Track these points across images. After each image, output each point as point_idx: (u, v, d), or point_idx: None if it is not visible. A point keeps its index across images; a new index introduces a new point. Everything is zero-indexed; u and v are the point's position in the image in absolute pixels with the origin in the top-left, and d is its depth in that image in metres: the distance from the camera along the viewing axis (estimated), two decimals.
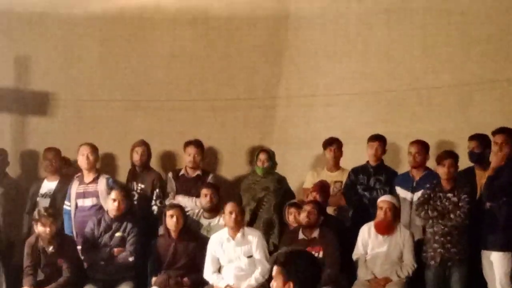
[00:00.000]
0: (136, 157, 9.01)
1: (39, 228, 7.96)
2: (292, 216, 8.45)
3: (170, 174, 9.19)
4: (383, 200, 8.07)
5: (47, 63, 9.93)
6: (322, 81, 9.97)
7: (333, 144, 9.08)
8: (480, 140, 8.09)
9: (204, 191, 8.59)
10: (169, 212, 8.23)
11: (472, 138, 8.33)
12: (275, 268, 4.65)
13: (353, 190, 8.76)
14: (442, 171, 7.90)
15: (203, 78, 10.07)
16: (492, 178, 7.55)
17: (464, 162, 8.27)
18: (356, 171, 8.81)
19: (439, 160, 7.96)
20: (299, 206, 8.36)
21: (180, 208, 8.29)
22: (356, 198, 8.73)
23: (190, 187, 9.00)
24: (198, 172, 9.09)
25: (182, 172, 9.13)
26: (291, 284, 4.54)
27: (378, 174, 8.68)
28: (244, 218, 8.29)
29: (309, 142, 9.75)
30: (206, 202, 8.56)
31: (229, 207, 8.07)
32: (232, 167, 10.06)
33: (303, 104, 9.97)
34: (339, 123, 9.75)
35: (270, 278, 7.86)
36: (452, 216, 7.70)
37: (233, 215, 7.99)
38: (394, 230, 8.02)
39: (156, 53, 10.11)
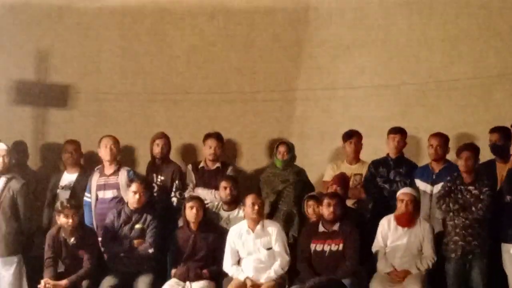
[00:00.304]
0: (157, 150, 9.03)
1: (61, 220, 8.01)
2: (311, 209, 8.43)
3: (189, 167, 9.21)
4: (404, 192, 8.06)
5: (67, 56, 9.96)
6: (341, 73, 9.95)
7: (353, 136, 9.06)
8: (502, 133, 8.07)
9: (223, 183, 8.59)
10: (188, 204, 8.24)
11: (493, 130, 8.31)
12: None
13: (373, 183, 8.75)
14: (460, 163, 7.89)
15: (223, 70, 10.07)
16: None
17: (485, 155, 8.25)
18: (376, 164, 8.80)
19: (458, 153, 7.94)
20: (318, 198, 8.35)
21: (199, 200, 8.30)
22: (376, 191, 8.71)
23: (209, 180, 9.01)
24: (218, 164, 9.10)
25: (202, 164, 9.14)
26: None
27: (398, 167, 8.67)
28: (264, 211, 8.30)
29: (328, 135, 9.75)
30: (226, 195, 8.57)
31: (250, 198, 8.07)
32: (251, 159, 10.06)
33: (323, 96, 9.96)
34: (358, 115, 9.74)
35: (289, 270, 7.98)
36: (473, 209, 7.68)
37: (256, 207, 8.00)
38: (415, 223, 8.01)
39: (176, 46, 10.13)
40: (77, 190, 8.88)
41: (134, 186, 8.31)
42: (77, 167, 9.08)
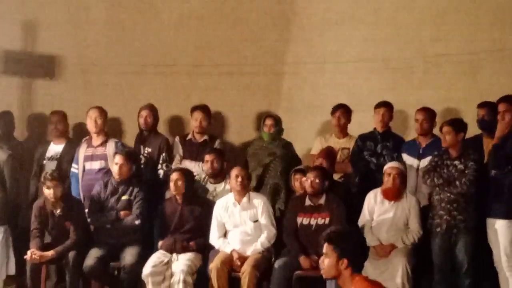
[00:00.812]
0: (142, 121, 9.01)
1: (45, 191, 8.00)
2: (298, 182, 8.42)
3: (177, 139, 9.20)
4: (391, 166, 8.07)
5: (55, 27, 9.90)
6: (330, 47, 9.92)
7: (340, 110, 9.06)
8: (490, 108, 8.05)
9: (206, 157, 8.58)
10: (172, 176, 8.25)
11: (481, 105, 8.32)
12: (327, 246, 4.98)
13: (360, 157, 8.74)
14: (442, 138, 7.91)
15: (211, 43, 10.02)
16: (497, 147, 7.54)
17: (473, 130, 8.26)
18: (363, 138, 8.80)
19: (440, 128, 7.96)
20: (304, 172, 8.35)
21: (182, 172, 8.29)
22: (363, 164, 8.71)
23: (197, 152, 8.99)
24: (205, 137, 9.08)
25: (189, 137, 9.12)
26: (345, 262, 4.89)
27: (385, 141, 8.68)
28: (250, 183, 8.30)
29: (316, 109, 9.74)
30: (208, 168, 8.57)
31: (235, 171, 8.09)
32: (239, 132, 10.06)
33: (311, 70, 9.95)
34: (346, 90, 9.74)
35: (276, 243, 8.00)
36: (457, 183, 7.68)
37: (239, 179, 8.01)
38: (401, 197, 8.03)
39: (164, 18, 10.08)
40: (63, 161, 8.86)
41: (117, 158, 8.30)
42: (63, 138, 9.05)
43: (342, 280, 5.00)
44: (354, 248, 5.04)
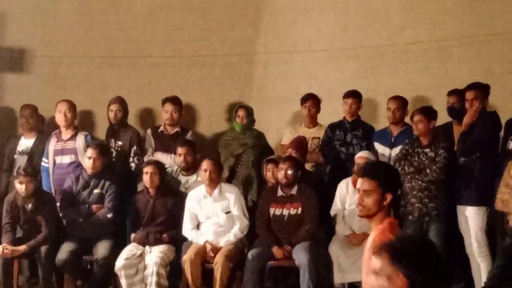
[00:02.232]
0: (111, 115, 8.96)
1: (17, 186, 7.96)
2: (270, 173, 8.43)
3: (148, 131, 9.17)
4: (359, 156, 8.08)
5: (23, 19, 9.76)
6: (300, 36, 9.93)
7: (310, 100, 9.05)
8: (459, 96, 8.08)
9: (179, 150, 8.57)
10: (144, 169, 8.25)
11: (451, 93, 8.35)
12: (369, 181, 4.45)
13: (330, 146, 8.76)
14: (414, 127, 7.93)
15: (180, 34, 9.95)
16: (465, 134, 7.59)
17: (443, 118, 8.30)
18: (333, 127, 8.81)
19: (411, 117, 7.99)
20: (276, 162, 8.36)
21: (155, 165, 8.28)
22: (333, 154, 8.72)
23: (169, 144, 8.96)
24: (177, 129, 9.06)
25: (161, 129, 9.10)
26: (389, 196, 4.43)
27: (355, 130, 8.69)
28: (221, 175, 8.29)
29: (287, 99, 9.73)
30: (181, 162, 8.55)
31: (204, 164, 8.09)
32: (210, 124, 10.05)
33: (282, 60, 9.94)
34: (317, 79, 9.76)
35: (249, 234, 8.01)
36: (428, 171, 7.72)
37: (207, 173, 8.01)
38: None
39: (134, 9, 9.98)
40: (35, 155, 8.79)
41: (89, 152, 8.26)
42: (34, 132, 8.96)
43: (376, 219, 4.49)
44: (397, 181, 4.68)
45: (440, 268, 3.48)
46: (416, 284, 3.41)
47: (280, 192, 8.09)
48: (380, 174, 4.48)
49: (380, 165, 4.72)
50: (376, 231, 4.46)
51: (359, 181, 4.53)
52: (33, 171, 8.08)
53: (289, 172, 7.94)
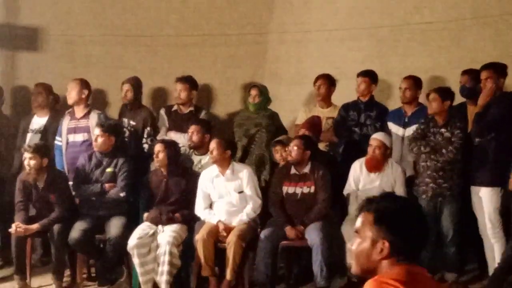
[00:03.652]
0: (123, 95, 8.96)
1: (24, 163, 7.96)
2: (278, 154, 8.40)
3: (162, 110, 9.14)
4: (373, 137, 8.04)
5: None
6: (315, 16, 9.89)
7: (320, 79, 9.01)
8: (472, 75, 8.01)
9: (190, 129, 8.55)
10: (155, 148, 8.23)
11: (464, 73, 8.30)
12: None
13: (343, 126, 8.72)
14: (428, 106, 7.88)
15: (195, 13, 9.98)
16: (480, 114, 7.52)
17: (460, 98, 8.24)
18: (346, 107, 8.76)
19: (427, 96, 7.94)
20: (284, 143, 8.34)
21: (166, 144, 8.23)
22: (347, 134, 8.69)
23: (182, 124, 8.92)
24: (191, 108, 9.02)
25: (175, 108, 9.07)
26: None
27: (369, 110, 8.63)
28: (233, 155, 8.25)
29: (301, 79, 9.71)
30: (190, 140, 8.54)
31: (211, 144, 8.07)
32: (225, 103, 10.06)
33: (296, 40, 9.91)
34: (332, 59, 9.71)
35: (261, 213, 8.00)
36: (444, 151, 7.67)
37: (213, 152, 7.99)
38: (384, 167, 8.01)
39: None
40: (48, 134, 8.81)
41: (96, 130, 8.26)
42: (47, 110, 8.98)
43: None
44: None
45: (426, 233, 3.36)
46: (399, 249, 3.25)
47: (293, 171, 8.05)
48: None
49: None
50: None
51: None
52: (44, 148, 8.07)
53: (296, 150, 7.91)
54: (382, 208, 3.32)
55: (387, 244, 3.26)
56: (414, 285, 3.20)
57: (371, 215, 3.32)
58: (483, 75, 7.56)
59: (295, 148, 7.92)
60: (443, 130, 7.77)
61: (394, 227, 3.28)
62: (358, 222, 3.37)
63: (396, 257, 3.26)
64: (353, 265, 3.41)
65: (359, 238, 3.35)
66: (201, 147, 8.55)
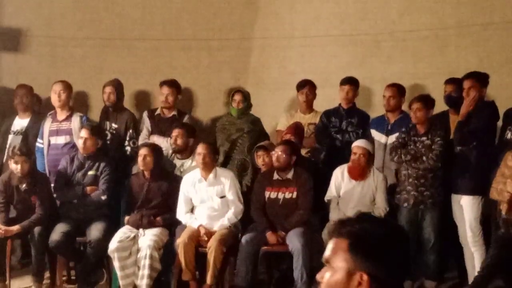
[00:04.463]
0: (105, 97, 8.94)
1: (12, 166, 7.94)
2: (260, 159, 8.40)
3: (145, 114, 9.15)
4: (357, 145, 8.05)
5: None
6: (298, 22, 9.91)
7: (306, 86, 9.04)
8: (457, 84, 8.06)
9: (172, 133, 8.56)
10: (140, 152, 8.22)
11: (448, 81, 8.34)
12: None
13: (325, 133, 8.74)
14: (412, 115, 7.92)
15: (178, 17, 9.95)
16: (462, 123, 7.56)
17: (439, 106, 8.28)
18: (328, 114, 8.79)
19: (410, 105, 7.97)
20: (266, 148, 8.35)
21: (150, 148, 8.23)
22: (328, 141, 8.71)
23: (165, 127, 8.93)
24: (174, 112, 9.03)
25: (158, 111, 9.07)
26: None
27: (350, 117, 8.67)
28: (216, 159, 8.27)
29: (284, 84, 9.70)
30: (171, 143, 8.54)
31: (198, 148, 8.06)
32: (208, 108, 10.03)
33: (279, 45, 9.92)
34: (314, 65, 9.73)
35: (243, 218, 8.00)
36: (424, 159, 7.71)
37: (201, 156, 7.98)
38: (367, 175, 8.04)
39: None
40: (29, 135, 8.79)
41: (82, 132, 8.23)
42: (29, 112, 8.95)
43: None
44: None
45: (408, 262, 2.87)
46: (380, 281, 2.75)
47: (275, 176, 8.06)
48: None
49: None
50: None
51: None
52: (28, 151, 8.06)
53: (283, 156, 7.91)
54: (358, 233, 2.79)
55: (365, 277, 2.75)
56: None
57: (345, 242, 2.79)
58: (466, 84, 7.61)
59: (282, 153, 7.92)
60: (423, 138, 7.81)
61: (374, 255, 2.76)
62: (328, 249, 2.83)
63: None
64: None
65: (330, 270, 2.82)
66: (184, 151, 8.54)
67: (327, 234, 2.96)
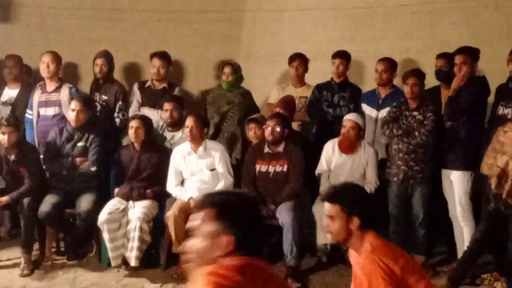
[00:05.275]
0: (96, 69, 8.88)
1: (1, 137, 7.89)
2: (252, 132, 8.40)
3: (135, 86, 9.08)
4: (347, 118, 8.04)
5: None
6: None
7: (297, 59, 9.00)
8: (448, 59, 8.04)
9: (165, 105, 8.52)
10: (131, 124, 8.19)
11: (439, 56, 8.31)
12: (331, 206, 4.43)
13: (316, 107, 8.71)
14: (406, 89, 7.87)
15: None
16: (453, 98, 7.54)
17: (431, 81, 8.26)
18: (320, 88, 8.76)
19: (404, 79, 7.93)
20: (258, 121, 8.33)
21: (141, 120, 8.21)
22: (320, 115, 8.69)
23: (155, 100, 8.87)
24: (164, 84, 8.97)
25: (148, 84, 9.00)
26: (356, 220, 4.34)
27: (342, 91, 8.64)
28: (206, 132, 8.25)
29: (276, 57, 9.68)
30: (167, 117, 8.50)
31: (187, 121, 8.03)
32: (198, 80, 9.98)
33: (271, 18, 9.88)
34: (306, 38, 9.69)
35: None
36: (416, 134, 7.70)
37: (189, 129, 7.96)
38: (357, 149, 8.03)
39: None
40: (18, 106, 8.73)
41: (73, 104, 8.18)
42: (18, 82, 8.90)
43: (353, 242, 4.45)
44: (364, 203, 4.47)
45: (260, 223, 3.48)
46: (242, 243, 3.31)
47: (266, 149, 8.05)
48: (343, 197, 4.43)
49: (343, 188, 4.55)
50: (360, 254, 4.39)
51: (325, 205, 4.48)
52: (16, 121, 8.00)
53: (277, 129, 7.90)
54: (223, 202, 3.39)
55: (232, 238, 3.31)
56: (251, 274, 3.28)
57: (213, 210, 3.34)
58: (458, 59, 7.57)
59: (276, 126, 7.90)
60: (415, 113, 7.79)
61: (237, 220, 3.33)
62: (197, 220, 3.36)
63: (239, 251, 3.31)
64: (195, 262, 3.38)
65: (199, 237, 3.34)
66: (176, 124, 8.52)
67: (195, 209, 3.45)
